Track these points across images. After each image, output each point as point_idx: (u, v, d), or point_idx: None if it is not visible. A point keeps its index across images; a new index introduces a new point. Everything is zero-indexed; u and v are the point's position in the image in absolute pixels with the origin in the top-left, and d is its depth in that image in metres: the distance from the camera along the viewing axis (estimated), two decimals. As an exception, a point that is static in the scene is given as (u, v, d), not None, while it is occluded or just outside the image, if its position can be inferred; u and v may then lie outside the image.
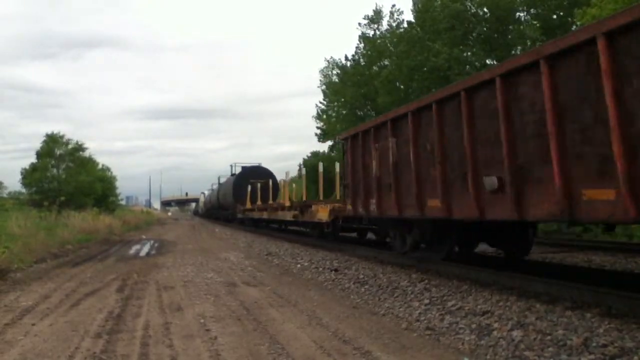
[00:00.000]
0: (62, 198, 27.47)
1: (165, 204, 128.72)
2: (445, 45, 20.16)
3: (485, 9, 20.93)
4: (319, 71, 32.24)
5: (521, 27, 20.95)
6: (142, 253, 13.24)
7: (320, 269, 8.63)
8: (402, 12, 27.35)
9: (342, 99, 29.30)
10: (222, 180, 44.41)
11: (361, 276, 7.42)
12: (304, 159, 38.10)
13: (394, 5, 28.06)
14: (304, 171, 19.09)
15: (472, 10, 21.19)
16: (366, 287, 6.68)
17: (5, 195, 31.66)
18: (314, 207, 12.67)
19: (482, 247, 8.24)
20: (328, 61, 31.38)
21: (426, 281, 6.56)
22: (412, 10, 24.14)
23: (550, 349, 3.63)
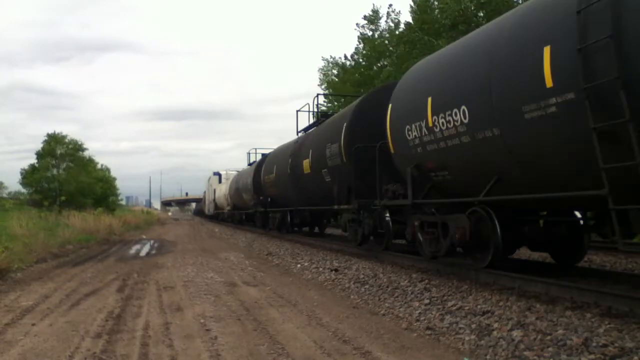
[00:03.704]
0: (63, 198, 27.55)
1: (166, 204, 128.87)
2: (449, 44, 20.14)
3: (482, 13, 20.94)
4: (318, 70, 32.19)
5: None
6: (142, 253, 13.24)
7: (321, 269, 8.62)
8: (399, 13, 27.43)
9: (342, 99, 29.31)
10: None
11: (361, 276, 7.42)
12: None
13: (390, 5, 28.04)
14: None
15: (471, 9, 21.15)
16: (366, 287, 6.68)
17: (5, 196, 31.74)
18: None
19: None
20: (327, 60, 31.38)
21: (426, 281, 6.55)
22: (410, 12, 24.14)
23: (550, 349, 3.63)
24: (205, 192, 49.35)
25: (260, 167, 19.39)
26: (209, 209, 42.06)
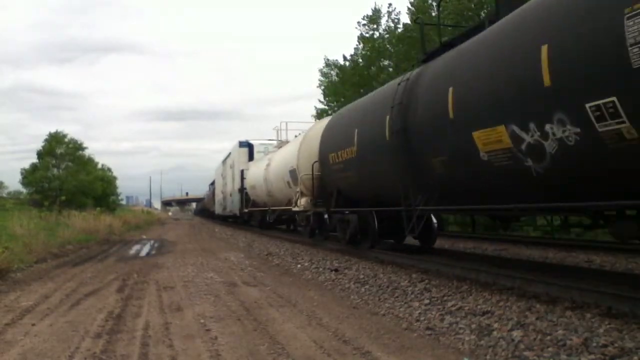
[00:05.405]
0: (63, 198, 27.56)
1: (166, 203, 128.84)
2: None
3: (484, 13, 20.93)
4: (318, 70, 32.24)
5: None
6: (142, 253, 13.24)
7: (321, 269, 8.62)
8: (399, 13, 27.45)
9: (342, 99, 29.29)
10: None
11: (361, 276, 7.42)
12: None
13: (390, 4, 27.93)
14: None
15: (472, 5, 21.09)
16: (366, 287, 6.68)
17: (4, 195, 31.79)
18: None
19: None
20: (326, 62, 31.41)
21: (426, 281, 6.56)
22: (407, 13, 24.13)
23: (550, 349, 3.63)
24: (213, 183, 33.00)
25: None
26: (225, 205, 24.68)
